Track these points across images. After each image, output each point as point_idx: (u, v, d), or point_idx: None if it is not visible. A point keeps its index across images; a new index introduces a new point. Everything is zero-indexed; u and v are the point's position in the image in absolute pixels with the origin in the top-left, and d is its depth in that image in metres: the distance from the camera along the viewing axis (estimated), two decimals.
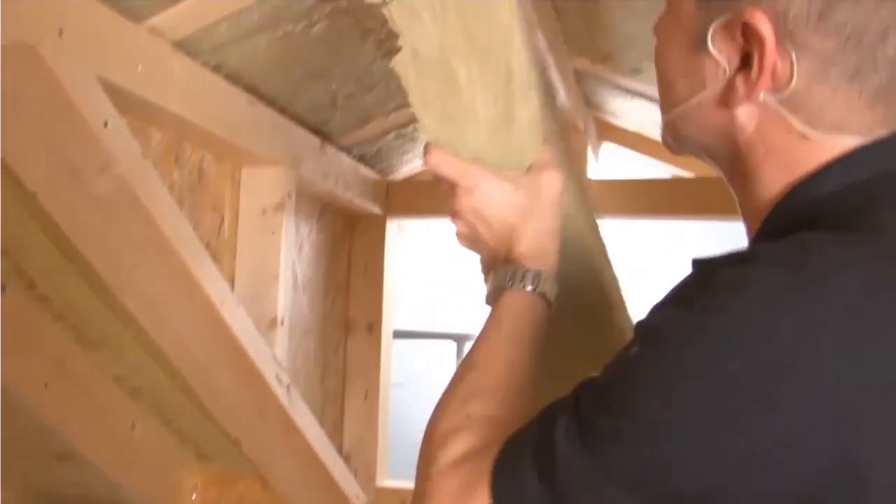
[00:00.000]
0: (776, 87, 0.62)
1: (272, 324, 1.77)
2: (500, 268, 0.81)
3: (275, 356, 1.66)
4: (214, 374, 1.52)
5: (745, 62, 0.63)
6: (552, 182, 0.84)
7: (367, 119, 2.00)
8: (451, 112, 0.80)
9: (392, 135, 2.17)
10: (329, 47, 1.58)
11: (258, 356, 1.55)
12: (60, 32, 1.06)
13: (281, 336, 1.79)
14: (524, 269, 0.80)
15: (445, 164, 0.81)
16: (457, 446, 0.67)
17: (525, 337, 0.77)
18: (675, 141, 0.73)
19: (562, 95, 2.02)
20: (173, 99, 1.33)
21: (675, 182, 2.51)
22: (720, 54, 0.64)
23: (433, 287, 2.93)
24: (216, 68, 1.46)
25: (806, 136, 0.62)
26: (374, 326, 2.45)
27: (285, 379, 1.67)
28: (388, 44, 1.66)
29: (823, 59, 0.60)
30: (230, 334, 1.48)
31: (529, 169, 0.84)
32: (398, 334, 2.66)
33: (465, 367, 0.76)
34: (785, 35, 0.60)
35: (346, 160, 2.13)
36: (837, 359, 0.50)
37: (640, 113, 2.25)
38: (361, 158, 2.23)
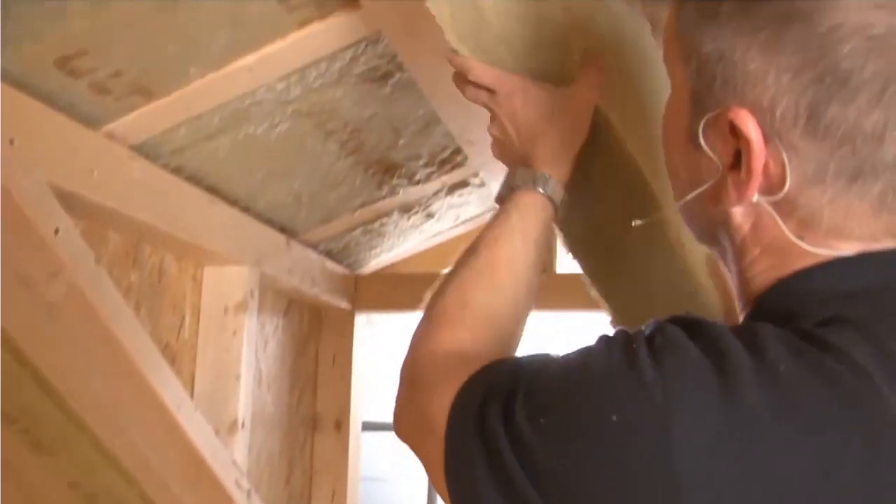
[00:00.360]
0: (769, 190, 0.58)
1: (233, 426, 1.72)
2: (518, 170, 0.87)
3: (234, 461, 1.62)
4: (171, 481, 1.47)
5: (738, 160, 0.59)
6: (585, 95, 0.90)
7: (332, 216, 2.00)
8: (485, 43, 0.88)
9: (359, 230, 2.17)
10: (292, 148, 1.59)
11: (216, 461, 1.51)
12: (12, 142, 1.05)
13: (242, 438, 1.74)
14: (537, 171, 0.85)
15: (485, 73, 0.88)
16: (447, 334, 0.73)
17: (529, 230, 0.82)
18: (689, 229, 0.72)
19: None
20: (131, 202, 1.32)
21: None
22: (712, 151, 0.61)
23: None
24: (176, 170, 1.46)
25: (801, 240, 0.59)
26: (342, 422, 2.40)
27: (245, 484, 1.62)
28: (350, 144, 1.68)
29: (818, 162, 0.56)
30: (187, 440, 1.44)
31: (569, 84, 0.90)
32: (368, 426, 2.61)
33: (468, 252, 0.81)
34: (773, 135, 0.56)
35: (313, 256, 2.12)
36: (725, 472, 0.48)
37: None
38: (328, 254, 2.22)
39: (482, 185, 2.12)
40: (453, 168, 1.98)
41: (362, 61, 1.40)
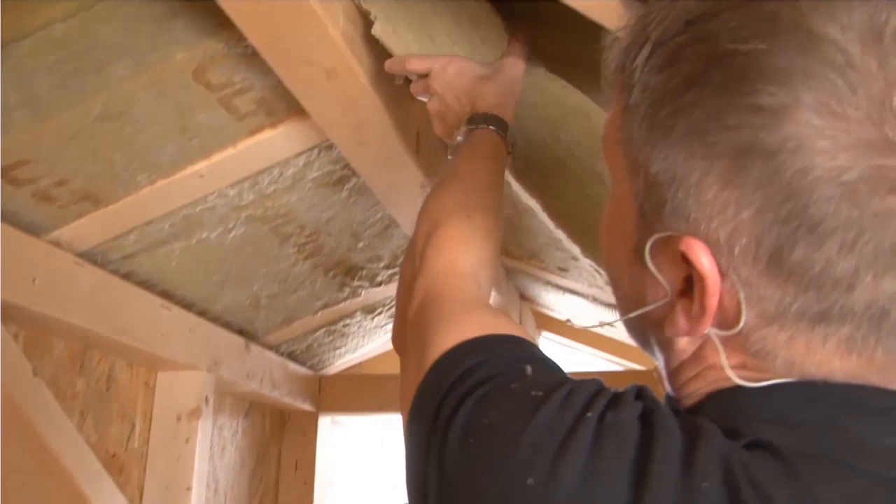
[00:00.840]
0: (721, 324, 0.53)
1: None
2: (463, 124, 0.96)
3: None
4: None
5: (688, 286, 0.53)
6: (514, 65, 1.04)
7: (293, 318, 1.96)
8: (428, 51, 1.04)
9: (322, 331, 2.13)
10: (247, 252, 1.57)
11: None
12: None
13: None
14: (487, 113, 0.95)
15: (418, 60, 1.00)
16: (459, 252, 0.78)
17: (492, 158, 0.92)
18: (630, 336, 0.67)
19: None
20: (76, 311, 1.28)
21: (624, 374, 2.48)
22: (660, 273, 0.55)
23: (369, 481, 2.80)
24: (127, 276, 1.43)
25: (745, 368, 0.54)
26: None
27: None
28: (308, 247, 1.66)
29: (779, 302, 0.50)
30: None
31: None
32: None
33: (447, 174, 0.90)
34: (730, 270, 0.50)
35: (274, 358, 2.08)
36: None
37: (574, 306, 2.25)
38: (291, 355, 2.18)
39: None
40: None
41: (316, 167, 1.39)
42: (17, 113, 1.03)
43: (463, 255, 0.78)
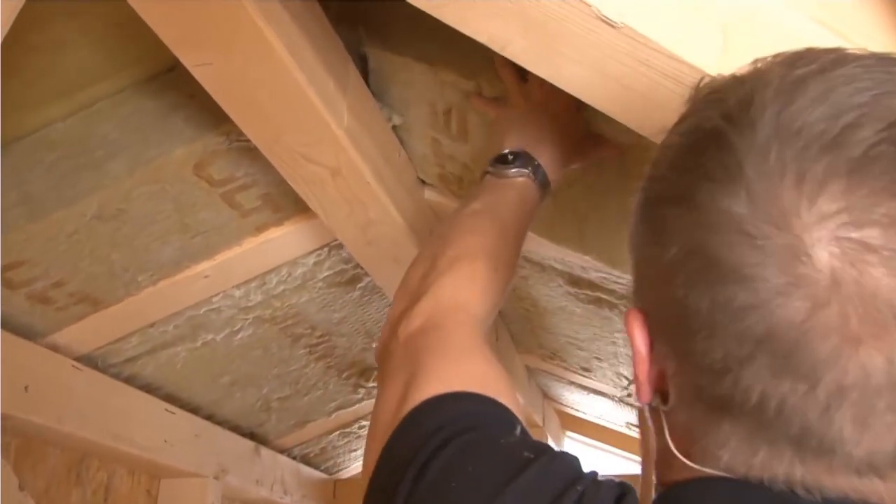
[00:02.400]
0: (663, 399, 0.53)
1: None
2: (521, 154, 0.89)
3: None
4: None
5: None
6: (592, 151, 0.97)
7: (306, 420, 1.88)
8: None
9: (336, 433, 2.05)
10: (257, 354, 1.51)
11: None
12: None
13: None
14: (536, 162, 0.89)
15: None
16: (474, 298, 0.77)
17: (530, 211, 0.88)
18: None
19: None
20: (72, 418, 1.22)
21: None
22: (635, 340, 0.54)
23: None
24: (129, 380, 1.37)
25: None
26: None
27: None
28: (320, 348, 1.59)
29: (690, 383, 0.50)
30: None
31: None
32: None
33: (487, 205, 0.85)
34: (664, 344, 0.51)
35: (286, 462, 1.99)
36: None
37: (598, 406, 2.16)
38: (304, 459, 2.09)
39: None
40: None
41: (327, 266, 1.34)
42: (13, 212, 1.00)
43: (477, 301, 0.77)
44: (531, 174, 0.88)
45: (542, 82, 0.89)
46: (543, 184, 0.89)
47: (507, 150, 0.90)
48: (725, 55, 0.61)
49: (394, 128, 1.05)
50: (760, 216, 0.43)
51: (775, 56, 0.49)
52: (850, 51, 0.47)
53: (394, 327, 0.76)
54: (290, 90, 0.78)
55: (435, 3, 0.63)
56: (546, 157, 0.90)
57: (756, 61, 0.51)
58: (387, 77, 0.98)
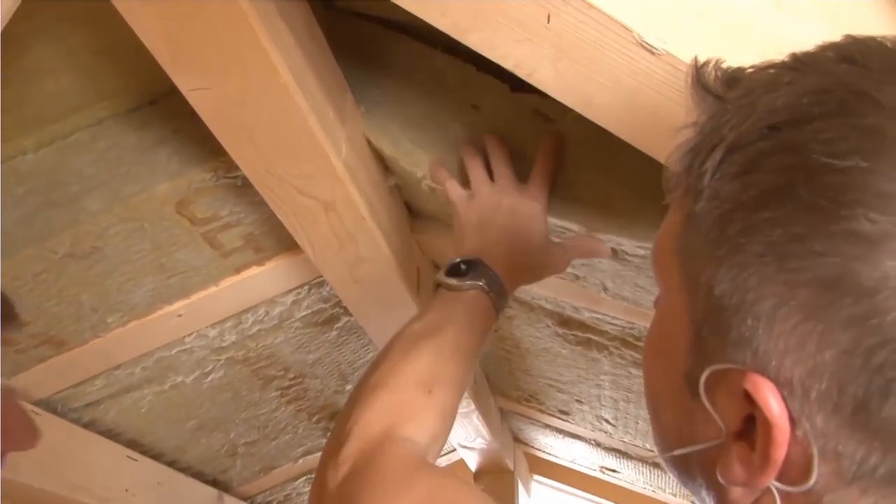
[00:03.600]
0: (785, 478, 0.44)
1: None
2: (480, 265, 0.83)
3: None
4: None
5: (748, 428, 0.45)
6: (559, 266, 0.91)
7: (272, 466, 1.80)
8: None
9: (302, 479, 1.96)
10: (226, 397, 1.43)
11: None
12: None
13: None
14: (492, 272, 0.82)
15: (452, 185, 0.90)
16: (413, 429, 0.70)
17: (480, 326, 0.81)
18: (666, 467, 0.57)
19: (486, 435, 1.87)
20: (28, 469, 1.14)
21: None
22: (714, 409, 0.46)
23: None
24: (89, 425, 1.29)
25: None
26: None
27: None
28: (292, 390, 1.53)
29: (861, 461, 0.42)
30: None
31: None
32: None
33: (418, 330, 0.79)
34: (802, 417, 0.42)
35: None
36: None
37: (571, 449, 2.11)
38: None
39: None
40: None
41: (305, 305, 1.28)
42: None
43: (410, 428, 0.70)
44: (485, 287, 0.81)
45: (508, 181, 0.86)
46: (500, 295, 0.82)
47: (459, 259, 0.84)
48: None
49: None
50: None
51: None
52: None
53: (323, 479, 0.68)
54: (290, 117, 0.73)
55: (463, 28, 0.59)
56: (504, 266, 0.83)
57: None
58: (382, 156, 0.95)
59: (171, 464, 1.55)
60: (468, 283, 0.81)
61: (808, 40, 0.60)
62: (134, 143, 0.94)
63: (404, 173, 0.93)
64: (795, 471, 0.44)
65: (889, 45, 0.44)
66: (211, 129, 0.76)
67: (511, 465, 2.18)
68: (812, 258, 0.40)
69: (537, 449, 2.32)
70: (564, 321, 1.23)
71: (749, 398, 0.43)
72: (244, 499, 1.87)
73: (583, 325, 1.21)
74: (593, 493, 2.43)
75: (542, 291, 1.16)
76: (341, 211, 0.88)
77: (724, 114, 0.45)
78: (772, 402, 0.42)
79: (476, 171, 0.88)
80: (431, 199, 0.96)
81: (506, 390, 1.81)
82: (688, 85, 0.50)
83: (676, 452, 0.51)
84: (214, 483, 1.72)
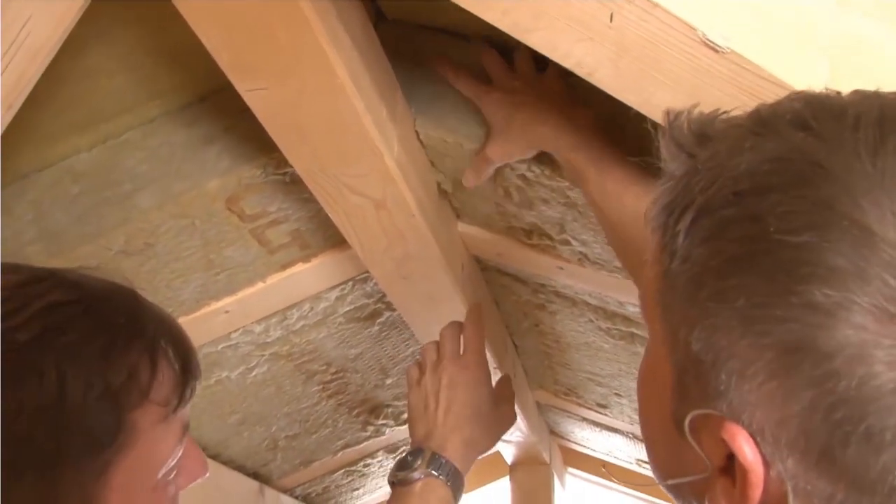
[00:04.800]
0: None
1: None
2: (432, 453, 0.89)
3: None
4: None
5: (730, 464, 0.49)
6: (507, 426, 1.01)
7: (312, 459, 1.82)
8: None
9: (340, 472, 1.98)
10: (269, 392, 1.45)
11: None
12: None
13: None
14: (453, 466, 0.88)
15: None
16: None
17: None
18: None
19: (523, 429, 1.88)
20: None
21: None
22: (699, 447, 0.50)
23: None
24: None
25: None
26: None
27: None
28: (333, 385, 1.54)
29: (829, 499, 0.45)
30: None
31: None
32: None
33: None
34: (776, 459, 0.46)
35: (289, 502, 1.92)
36: None
37: (607, 442, 2.11)
38: (306, 499, 2.02)
39: None
40: None
41: (349, 301, 1.29)
42: (31, 248, 0.94)
43: None
44: (435, 474, 0.86)
45: (449, 358, 0.95)
46: (451, 476, 0.87)
47: (406, 452, 0.89)
48: (832, 84, 0.58)
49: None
50: None
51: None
52: None
53: None
54: (345, 117, 0.74)
55: (523, 28, 0.59)
56: (455, 449, 0.88)
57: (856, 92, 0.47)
58: (438, 151, 0.95)
59: (214, 457, 1.57)
60: (415, 475, 0.87)
61: (870, 37, 0.60)
62: (184, 141, 0.95)
63: (468, 155, 0.92)
64: (773, 501, 0.47)
65: (841, 103, 0.46)
66: (266, 128, 0.76)
67: (547, 458, 2.18)
68: (774, 324, 0.43)
69: (572, 442, 2.32)
70: (609, 315, 1.23)
71: (724, 441, 0.47)
72: (284, 491, 1.89)
73: (627, 320, 1.21)
74: (628, 486, 2.43)
75: (586, 287, 1.16)
76: (392, 209, 0.89)
77: (695, 174, 0.48)
78: (746, 450, 0.46)
79: (425, 351, 0.99)
80: (482, 190, 0.96)
81: (544, 384, 1.81)
82: (662, 138, 0.52)
83: (670, 482, 0.56)
84: (255, 476, 1.74)
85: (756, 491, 0.47)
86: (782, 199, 0.43)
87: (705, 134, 0.50)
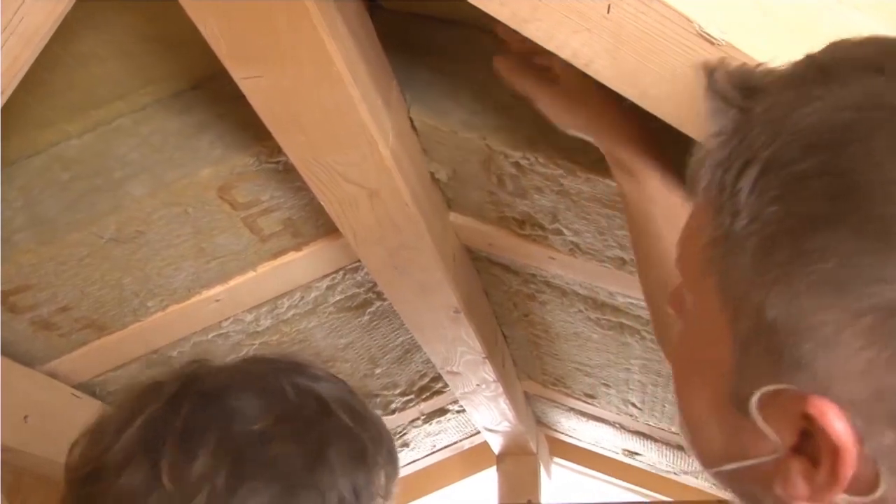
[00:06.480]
0: (853, 490, 0.44)
1: None
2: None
3: None
4: None
5: (805, 442, 0.45)
6: None
7: None
8: None
9: None
10: None
11: None
12: None
13: None
14: None
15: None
16: None
17: None
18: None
19: (511, 419, 1.88)
20: (65, 449, 1.15)
21: None
22: (767, 425, 0.46)
23: None
24: None
25: None
26: None
27: None
28: None
29: None
30: None
31: None
32: None
33: None
34: (868, 436, 0.42)
35: None
36: None
37: (594, 432, 2.12)
38: None
39: (461, 411, 1.97)
40: (432, 395, 1.84)
41: (339, 290, 1.29)
42: (20, 235, 0.94)
43: None
44: None
45: None
46: None
47: None
48: None
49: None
50: None
51: None
52: None
53: None
54: (341, 106, 0.74)
55: (521, 18, 0.59)
56: None
57: None
58: (432, 140, 0.95)
59: None
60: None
61: (866, 32, 0.60)
62: (177, 128, 0.95)
63: (462, 143, 0.93)
64: (863, 483, 0.44)
65: None
66: (261, 116, 0.76)
67: (534, 448, 2.19)
68: (872, 286, 0.39)
69: (559, 432, 2.33)
70: (598, 305, 1.23)
71: (807, 418, 0.43)
72: None
73: (616, 310, 1.22)
74: (614, 476, 2.44)
75: (576, 277, 1.17)
76: (386, 198, 0.89)
77: (751, 128, 0.44)
78: (838, 426, 0.42)
79: None
80: (476, 179, 0.96)
81: (532, 374, 1.82)
82: (701, 93, 0.48)
83: (727, 468, 0.51)
84: None
85: (849, 470, 0.43)
86: (869, 150, 0.39)
87: (752, 86, 0.47)
